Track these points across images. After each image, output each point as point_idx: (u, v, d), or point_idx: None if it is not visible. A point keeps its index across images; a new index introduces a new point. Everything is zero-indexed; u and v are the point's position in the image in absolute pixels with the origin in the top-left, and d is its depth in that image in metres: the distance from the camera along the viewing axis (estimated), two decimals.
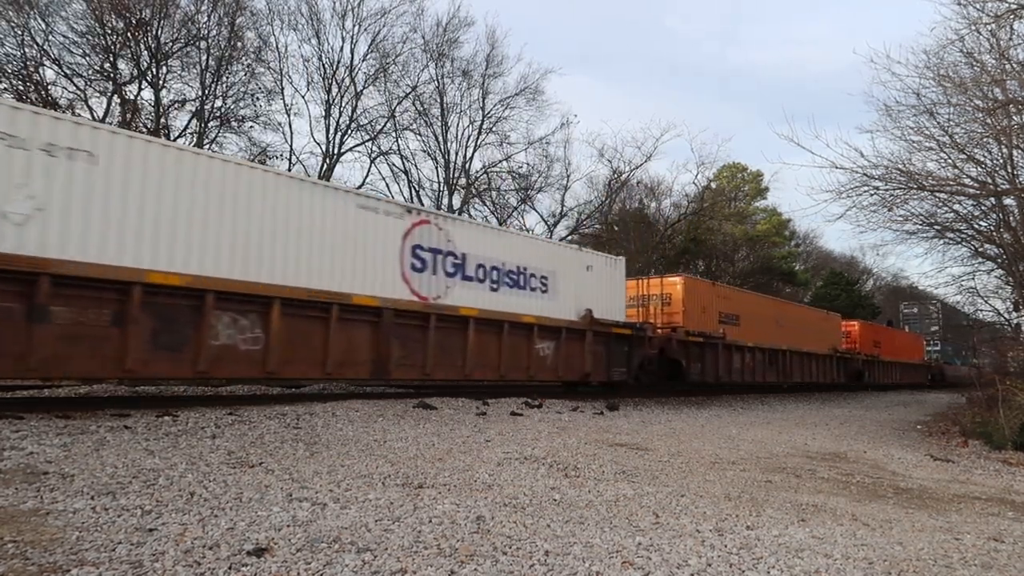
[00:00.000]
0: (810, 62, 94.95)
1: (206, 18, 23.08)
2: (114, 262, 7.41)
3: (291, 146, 26.39)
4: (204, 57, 23.03)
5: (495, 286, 12.22)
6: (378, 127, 28.35)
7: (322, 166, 27.11)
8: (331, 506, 3.91)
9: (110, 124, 19.81)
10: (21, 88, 19.64)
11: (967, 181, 13.12)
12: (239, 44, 23.97)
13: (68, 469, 4.45)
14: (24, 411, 6.94)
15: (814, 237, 53.40)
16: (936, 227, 15.04)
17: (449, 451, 6.21)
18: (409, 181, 29.83)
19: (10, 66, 19.67)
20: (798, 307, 26.94)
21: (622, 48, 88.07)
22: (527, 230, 31.34)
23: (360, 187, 27.77)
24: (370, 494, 4.28)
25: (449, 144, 30.03)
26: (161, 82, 22.34)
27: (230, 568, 2.81)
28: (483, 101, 30.42)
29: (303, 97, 30.09)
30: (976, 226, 15.40)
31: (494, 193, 31.60)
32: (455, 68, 29.55)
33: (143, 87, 22.29)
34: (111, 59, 21.24)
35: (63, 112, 19.06)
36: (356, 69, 27.50)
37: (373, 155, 28.92)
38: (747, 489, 5.38)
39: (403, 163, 29.64)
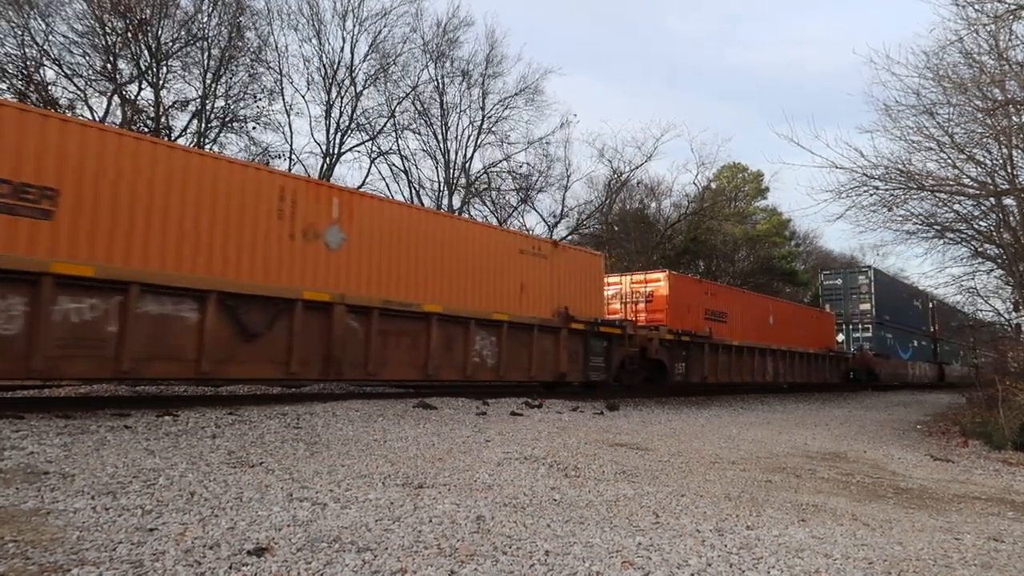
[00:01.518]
0: (809, 62, 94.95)
1: (207, 18, 23.12)
2: None
3: (291, 146, 26.40)
4: (205, 57, 23.06)
5: None
6: (378, 127, 28.38)
7: (322, 166, 27.14)
8: (331, 506, 3.91)
9: (114, 125, 19.84)
10: (22, 88, 19.65)
11: (967, 181, 13.13)
12: (239, 44, 23.99)
13: (68, 469, 4.45)
14: (24, 411, 6.94)
15: (814, 237, 53.40)
16: (936, 227, 15.04)
17: (449, 451, 6.21)
18: (409, 181, 29.86)
19: (10, 66, 19.70)
20: (452, 220, 13.28)
21: (622, 48, 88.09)
22: (528, 230, 31.33)
23: (360, 187, 27.79)
24: (370, 494, 4.28)
25: (449, 144, 30.06)
26: (161, 82, 22.35)
27: (230, 568, 2.81)
28: (483, 101, 30.46)
29: (303, 97, 30.14)
30: (976, 226, 15.39)
31: (494, 193, 31.62)
32: (455, 68, 29.60)
33: (143, 87, 22.32)
34: (111, 59, 21.24)
35: (64, 112, 19.10)
36: (356, 69, 27.54)
37: (373, 155, 28.97)
38: (747, 489, 5.38)
39: (403, 163, 29.68)
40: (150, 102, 22.43)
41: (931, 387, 34.32)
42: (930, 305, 36.34)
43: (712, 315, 18.77)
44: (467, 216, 18.02)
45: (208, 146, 23.00)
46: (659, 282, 17.55)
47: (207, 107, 23.38)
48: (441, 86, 29.41)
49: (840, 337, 28.73)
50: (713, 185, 39.23)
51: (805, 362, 23.62)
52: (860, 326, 29.49)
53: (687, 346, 17.29)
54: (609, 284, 17.60)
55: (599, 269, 15.62)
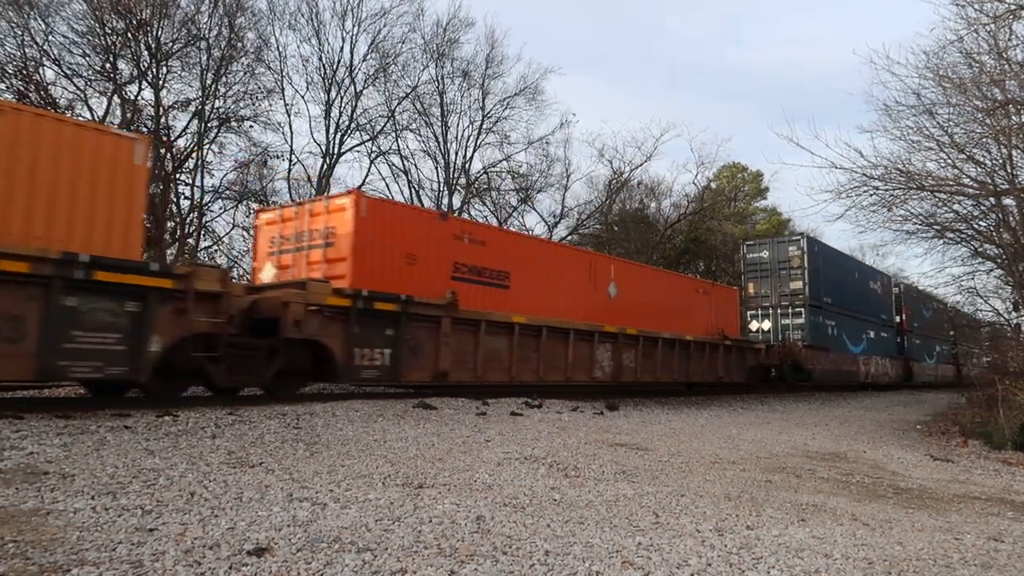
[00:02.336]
0: (810, 62, 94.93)
1: (206, 18, 23.13)
2: None
3: (291, 146, 26.42)
4: (204, 57, 23.07)
5: None
6: (378, 127, 28.40)
7: (322, 166, 27.15)
8: (331, 506, 3.91)
9: (111, 124, 19.87)
10: (22, 88, 19.66)
11: (967, 181, 13.15)
12: (239, 44, 24.00)
13: (68, 469, 4.45)
14: (24, 411, 6.94)
15: (814, 237, 53.37)
16: (936, 227, 15.06)
17: (449, 451, 6.22)
18: (409, 181, 29.87)
19: (10, 66, 19.70)
20: None
21: (622, 48, 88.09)
22: (528, 230, 31.33)
23: (360, 187, 27.78)
24: (370, 494, 4.28)
25: (449, 144, 30.09)
26: (161, 82, 22.36)
27: (230, 568, 2.81)
28: (483, 101, 30.49)
29: (303, 97, 30.15)
30: (976, 226, 15.42)
31: (494, 193, 31.63)
32: (455, 68, 29.62)
33: (143, 87, 22.33)
34: (111, 59, 21.26)
35: (64, 112, 19.13)
36: (356, 69, 27.57)
37: (373, 155, 28.99)
38: (747, 489, 5.38)
39: (403, 163, 29.68)
40: (150, 102, 22.46)
41: (894, 388, 29.69)
42: (895, 290, 31.45)
43: (473, 273, 11.79)
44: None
45: (208, 146, 23.04)
46: (344, 212, 10.56)
47: (207, 107, 23.40)
48: (441, 86, 29.45)
49: (766, 324, 23.26)
50: (713, 185, 39.30)
51: (680, 354, 16.63)
52: (791, 310, 23.00)
53: (394, 320, 10.31)
54: (283, 221, 11.54)
55: (124, 164, 8.16)
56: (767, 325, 23.29)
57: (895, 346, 30.73)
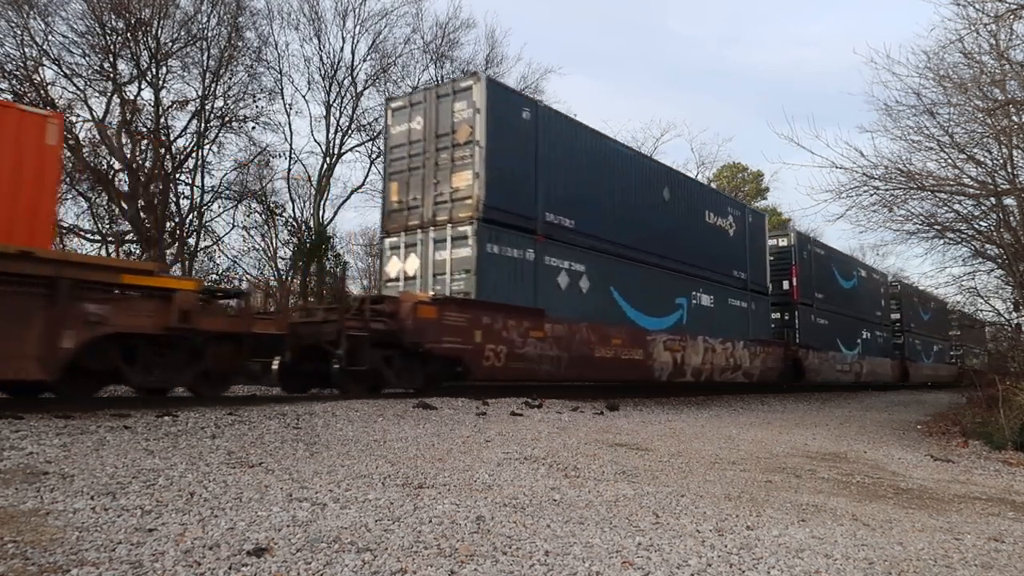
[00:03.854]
0: (810, 62, 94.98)
1: (206, 18, 23.12)
2: None
3: (291, 146, 26.43)
4: (204, 57, 23.07)
5: None
6: (378, 127, 28.38)
7: (322, 166, 27.16)
8: (331, 506, 3.91)
9: (109, 124, 19.88)
10: (21, 88, 19.66)
11: (967, 181, 13.16)
12: (239, 44, 24.01)
13: (68, 469, 4.45)
14: (23, 411, 6.93)
15: (814, 237, 53.33)
16: (936, 227, 15.07)
17: (449, 451, 6.21)
18: None
19: (9, 66, 19.70)
20: None
21: (622, 48, 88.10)
22: None
23: (360, 187, 27.85)
24: (370, 494, 4.28)
25: None
26: (161, 82, 22.37)
27: (230, 568, 2.81)
28: None
29: (304, 97, 30.19)
30: (976, 226, 15.43)
31: None
32: (455, 68, 29.58)
33: (143, 87, 22.33)
34: (111, 59, 21.25)
35: (64, 112, 19.11)
36: (357, 69, 27.56)
37: (373, 155, 28.98)
38: (747, 489, 5.38)
39: None
40: (150, 102, 22.46)
41: (774, 391, 20.21)
42: (778, 241, 20.91)
43: None
44: None
45: (208, 146, 23.03)
46: None
47: (207, 107, 23.40)
48: None
49: (412, 264, 12.14)
50: (713, 185, 39.27)
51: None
52: (451, 232, 11.63)
53: None
54: None
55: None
56: (414, 265, 12.13)
57: (768, 326, 19.75)
